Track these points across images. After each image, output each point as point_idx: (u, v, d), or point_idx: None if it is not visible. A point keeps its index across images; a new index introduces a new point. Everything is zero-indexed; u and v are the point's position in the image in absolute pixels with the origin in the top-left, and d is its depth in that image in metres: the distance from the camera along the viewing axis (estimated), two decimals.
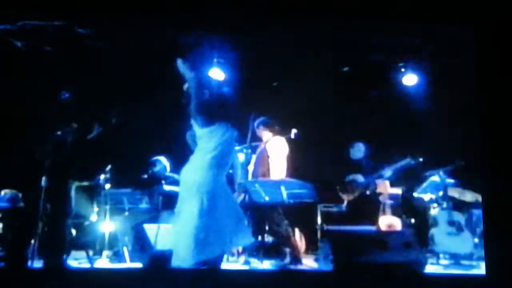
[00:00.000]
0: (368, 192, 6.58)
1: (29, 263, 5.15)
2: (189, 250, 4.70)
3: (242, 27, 5.88)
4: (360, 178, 6.65)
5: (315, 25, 5.64)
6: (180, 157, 5.86)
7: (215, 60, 6.88)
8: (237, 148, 6.24)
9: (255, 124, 6.10)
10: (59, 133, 5.35)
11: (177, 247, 4.82)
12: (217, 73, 6.85)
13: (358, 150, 6.83)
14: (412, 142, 6.89)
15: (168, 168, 6.71)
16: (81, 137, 5.44)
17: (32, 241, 5.20)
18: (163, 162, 6.65)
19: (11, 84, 6.13)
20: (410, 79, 7.14)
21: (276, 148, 5.97)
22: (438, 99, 6.93)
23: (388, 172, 6.56)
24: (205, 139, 4.90)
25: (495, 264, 4.65)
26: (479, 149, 4.87)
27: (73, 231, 5.87)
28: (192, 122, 4.98)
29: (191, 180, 4.81)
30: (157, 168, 6.62)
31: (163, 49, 6.49)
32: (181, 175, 4.96)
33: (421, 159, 6.49)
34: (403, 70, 7.14)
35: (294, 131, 6.15)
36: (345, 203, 6.66)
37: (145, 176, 6.61)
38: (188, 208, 4.77)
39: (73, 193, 5.51)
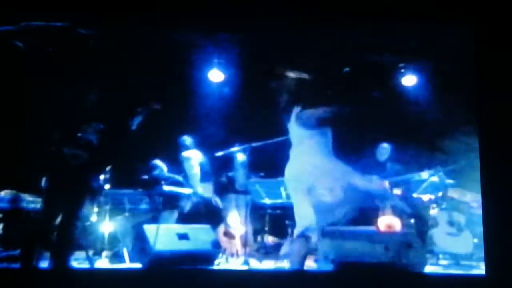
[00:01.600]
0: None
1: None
2: None
3: (242, 27, 5.88)
4: (375, 179, 6.63)
5: (315, 25, 5.64)
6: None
7: (215, 60, 6.87)
8: (236, 148, 6.30)
9: None
10: (79, 134, 5.34)
11: None
12: (217, 74, 6.85)
13: (384, 152, 6.81)
14: (413, 144, 6.87)
15: (165, 170, 6.72)
16: (107, 136, 5.46)
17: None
18: (159, 164, 6.67)
19: (14, 85, 6.14)
20: (410, 80, 7.10)
21: None
22: (437, 99, 6.91)
23: (425, 174, 6.53)
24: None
25: (495, 264, 4.64)
26: (479, 149, 4.88)
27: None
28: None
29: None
30: (156, 172, 6.64)
31: (165, 49, 6.52)
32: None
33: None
34: (403, 71, 7.10)
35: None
36: None
37: (145, 176, 6.63)
38: None
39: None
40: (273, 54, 6.56)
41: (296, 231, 5.13)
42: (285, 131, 5.26)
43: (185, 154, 6.65)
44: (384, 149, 6.82)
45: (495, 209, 4.69)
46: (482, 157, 4.83)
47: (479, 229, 6.03)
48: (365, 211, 6.28)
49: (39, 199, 5.60)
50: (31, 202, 6.09)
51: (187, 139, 6.73)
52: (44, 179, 5.33)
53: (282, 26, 5.76)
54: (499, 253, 4.62)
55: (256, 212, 6.45)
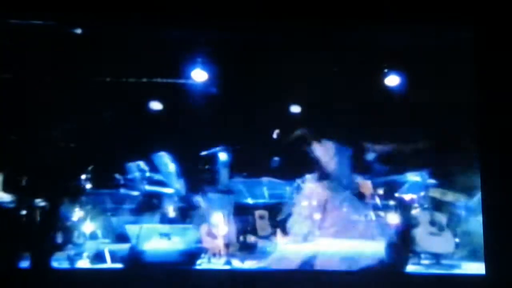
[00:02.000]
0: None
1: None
2: None
3: (230, 27, 5.87)
4: (358, 178, 6.65)
5: (316, 27, 5.62)
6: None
7: (199, 59, 6.83)
8: (219, 148, 6.30)
9: None
10: (59, 134, 5.32)
11: None
12: (199, 73, 6.81)
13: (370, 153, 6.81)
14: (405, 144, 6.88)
15: (147, 170, 6.69)
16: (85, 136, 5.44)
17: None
18: (142, 166, 6.65)
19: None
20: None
21: None
22: (435, 99, 6.91)
23: (411, 175, 6.54)
24: None
25: (495, 264, 4.65)
26: (478, 150, 4.90)
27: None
28: None
29: None
30: (137, 174, 6.63)
31: (149, 48, 6.48)
32: None
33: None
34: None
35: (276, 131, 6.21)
36: None
37: (128, 176, 6.61)
38: None
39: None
40: (262, 54, 6.59)
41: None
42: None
43: (158, 153, 6.65)
44: (371, 150, 6.83)
45: (495, 209, 4.70)
46: (481, 157, 4.83)
47: (460, 228, 6.12)
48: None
49: (19, 199, 5.55)
50: (11, 202, 6.03)
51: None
52: (24, 179, 5.29)
53: (276, 27, 5.76)
54: (499, 253, 4.63)
55: (239, 212, 6.45)
